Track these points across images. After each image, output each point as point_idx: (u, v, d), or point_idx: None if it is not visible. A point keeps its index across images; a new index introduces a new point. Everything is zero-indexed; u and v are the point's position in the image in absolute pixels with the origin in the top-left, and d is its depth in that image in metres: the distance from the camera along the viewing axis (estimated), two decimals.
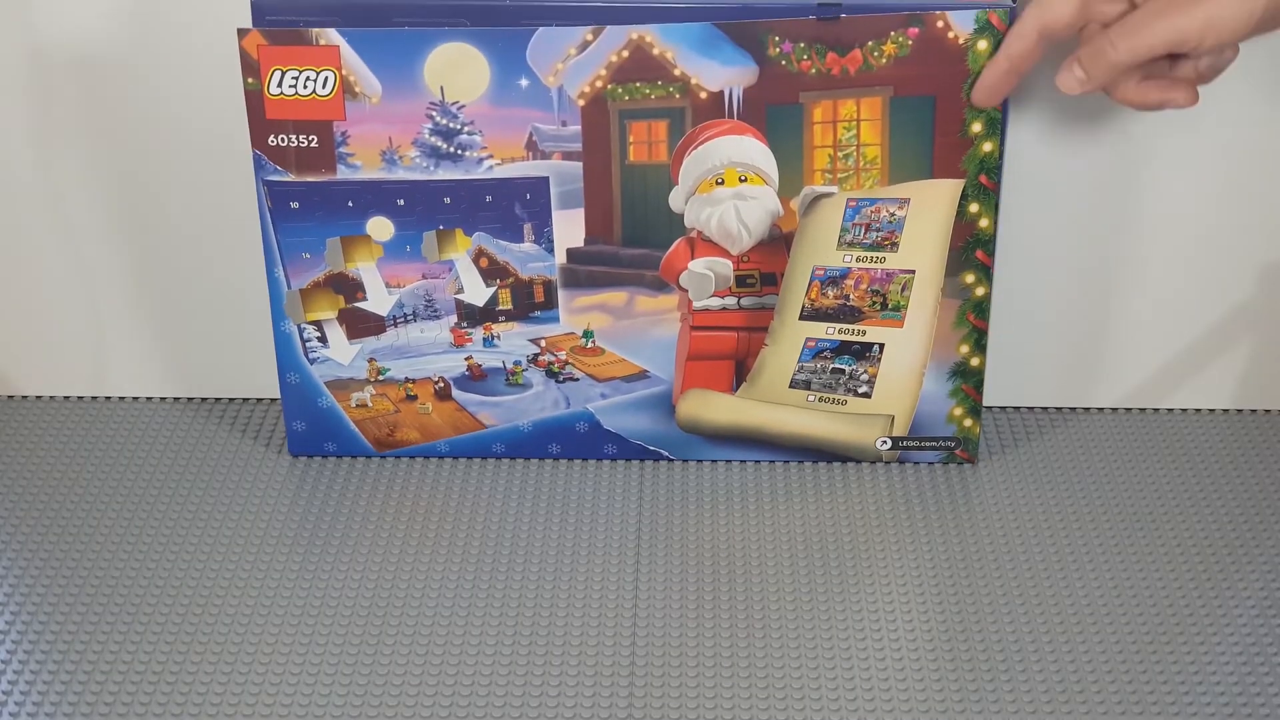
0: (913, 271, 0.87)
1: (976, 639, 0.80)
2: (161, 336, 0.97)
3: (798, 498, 0.90)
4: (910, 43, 0.82)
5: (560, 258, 0.87)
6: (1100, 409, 0.98)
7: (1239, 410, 0.98)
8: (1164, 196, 0.91)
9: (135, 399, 0.99)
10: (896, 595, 0.83)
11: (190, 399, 0.99)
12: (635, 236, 0.87)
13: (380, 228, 0.86)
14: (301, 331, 0.89)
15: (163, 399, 0.99)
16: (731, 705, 0.76)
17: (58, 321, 0.96)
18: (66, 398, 0.99)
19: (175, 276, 0.94)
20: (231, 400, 0.99)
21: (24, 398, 0.99)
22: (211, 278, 0.94)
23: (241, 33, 0.81)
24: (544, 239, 0.86)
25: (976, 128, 0.84)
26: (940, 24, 0.82)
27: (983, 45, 0.82)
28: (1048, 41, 0.80)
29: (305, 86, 0.83)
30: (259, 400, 0.98)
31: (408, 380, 0.91)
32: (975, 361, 0.89)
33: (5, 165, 0.91)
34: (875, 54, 0.82)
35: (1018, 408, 0.98)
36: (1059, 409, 0.98)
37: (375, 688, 0.77)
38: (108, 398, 0.99)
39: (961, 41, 0.82)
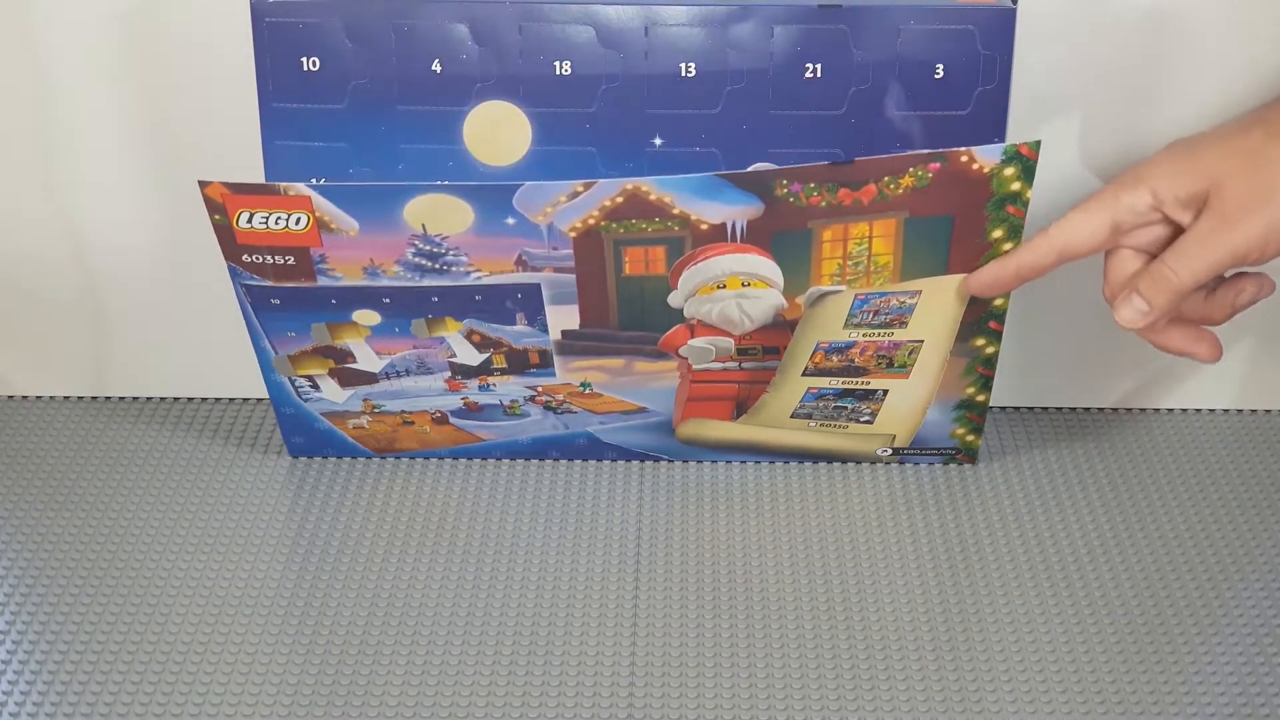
0: (921, 341, 0.86)
1: (976, 638, 0.80)
2: (161, 336, 0.96)
3: (798, 498, 0.90)
4: (930, 176, 0.79)
5: (555, 335, 0.86)
6: (1100, 409, 0.98)
7: (1239, 410, 0.98)
8: None
9: (135, 399, 0.99)
10: (898, 595, 0.83)
11: (190, 399, 0.99)
12: (633, 323, 0.85)
13: (367, 317, 0.85)
14: (293, 381, 0.89)
15: (162, 399, 0.99)
16: (732, 705, 0.76)
17: (58, 321, 0.96)
18: (66, 398, 0.99)
19: (175, 275, 0.94)
20: (231, 400, 0.99)
21: (24, 398, 0.99)
22: (211, 277, 0.94)
23: (203, 184, 0.79)
24: (538, 324, 0.85)
25: (998, 234, 0.81)
26: (964, 158, 0.79)
27: (1009, 171, 0.79)
28: (1065, 261, 0.78)
29: (277, 223, 0.81)
30: (259, 400, 0.98)
31: (404, 413, 0.91)
32: (981, 398, 0.89)
33: (5, 164, 0.91)
34: (891, 186, 0.79)
35: (1018, 408, 0.98)
36: (1059, 409, 0.98)
37: (375, 687, 0.77)
38: (108, 398, 0.99)
39: (986, 171, 0.79)
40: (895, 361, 0.87)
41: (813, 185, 0.79)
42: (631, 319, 0.85)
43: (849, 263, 0.82)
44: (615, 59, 0.84)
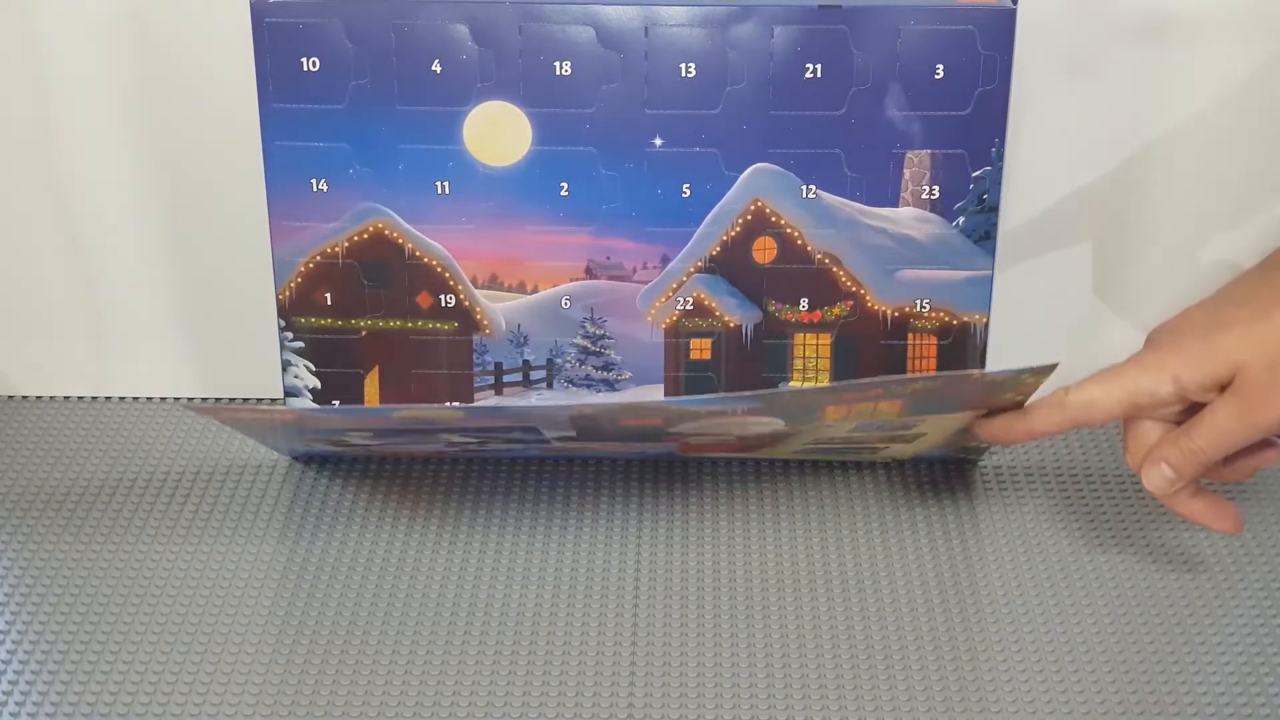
0: (925, 433, 0.86)
1: (977, 637, 0.80)
2: (162, 336, 0.97)
3: (798, 496, 0.90)
4: (939, 384, 0.79)
5: (552, 436, 0.86)
6: None
7: None
8: (1162, 199, 0.91)
9: (135, 399, 0.99)
10: (899, 593, 0.83)
11: (191, 399, 0.99)
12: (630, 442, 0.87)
13: (363, 435, 0.86)
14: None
15: (163, 399, 0.99)
16: (732, 705, 0.76)
17: (58, 321, 0.96)
18: (66, 398, 0.99)
19: (176, 275, 0.94)
20: (231, 400, 0.99)
21: (24, 398, 0.99)
22: (213, 276, 0.94)
23: (189, 403, 0.80)
24: (533, 436, 0.86)
25: (1009, 395, 0.81)
26: (975, 375, 0.79)
27: (1021, 377, 0.79)
28: (1076, 428, 0.80)
29: (265, 415, 0.83)
30: (259, 400, 0.98)
31: (405, 449, 0.91)
32: (984, 445, 0.89)
33: (5, 164, 0.91)
34: (899, 389, 0.79)
35: None
36: None
37: (375, 687, 0.77)
38: (108, 398, 0.99)
39: (1000, 380, 0.78)
40: (898, 441, 0.87)
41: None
42: (629, 441, 0.87)
43: (853, 414, 0.82)
44: (615, 59, 0.84)
